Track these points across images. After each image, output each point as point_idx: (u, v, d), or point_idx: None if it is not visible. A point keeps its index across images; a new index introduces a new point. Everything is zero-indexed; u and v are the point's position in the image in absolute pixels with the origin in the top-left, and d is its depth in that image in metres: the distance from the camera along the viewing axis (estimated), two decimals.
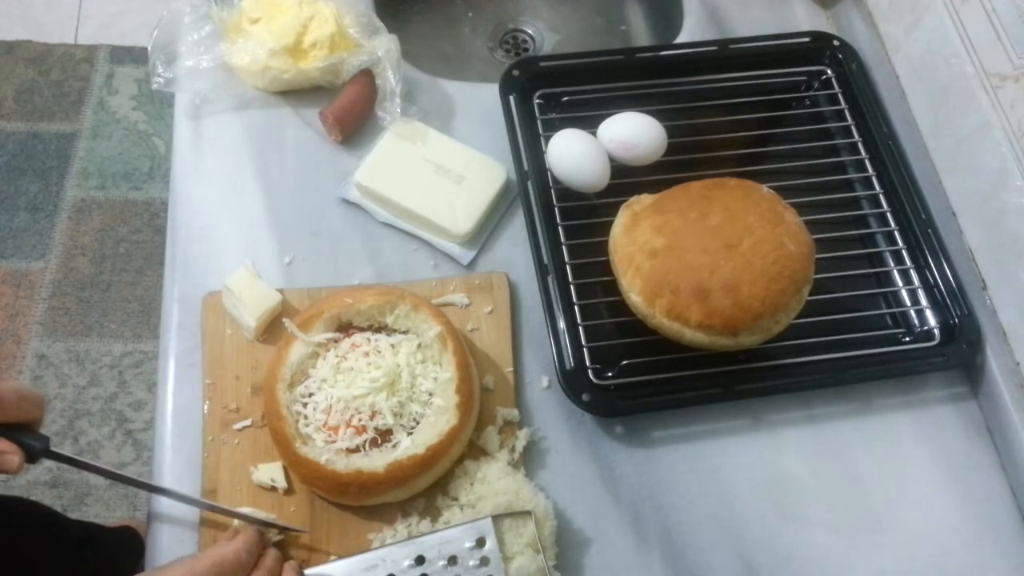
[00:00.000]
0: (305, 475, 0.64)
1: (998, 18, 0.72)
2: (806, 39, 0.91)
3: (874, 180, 0.84)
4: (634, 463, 0.71)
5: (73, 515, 1.24)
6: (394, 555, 0.61)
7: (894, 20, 0.88)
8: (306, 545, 0.65)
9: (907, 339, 0.77)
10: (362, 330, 0.69)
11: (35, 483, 1.49)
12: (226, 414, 0.70)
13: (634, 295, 0.71)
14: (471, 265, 0.78)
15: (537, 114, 0.84)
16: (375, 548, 0.63)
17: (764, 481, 0.71)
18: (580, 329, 0.73)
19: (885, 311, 0.79)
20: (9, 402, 0.58)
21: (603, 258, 0.75)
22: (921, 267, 0.79)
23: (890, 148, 0.84)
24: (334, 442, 0.64)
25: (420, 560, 0.61)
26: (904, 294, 0.79)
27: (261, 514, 0.65)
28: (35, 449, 0.60)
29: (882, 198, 0.83)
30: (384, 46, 0.82)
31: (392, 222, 0.80)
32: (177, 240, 0.78)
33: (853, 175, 0.85)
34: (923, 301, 0.78)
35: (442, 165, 0.80)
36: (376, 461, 0.63)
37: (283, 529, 0.65)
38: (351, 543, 0.65)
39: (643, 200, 0.75)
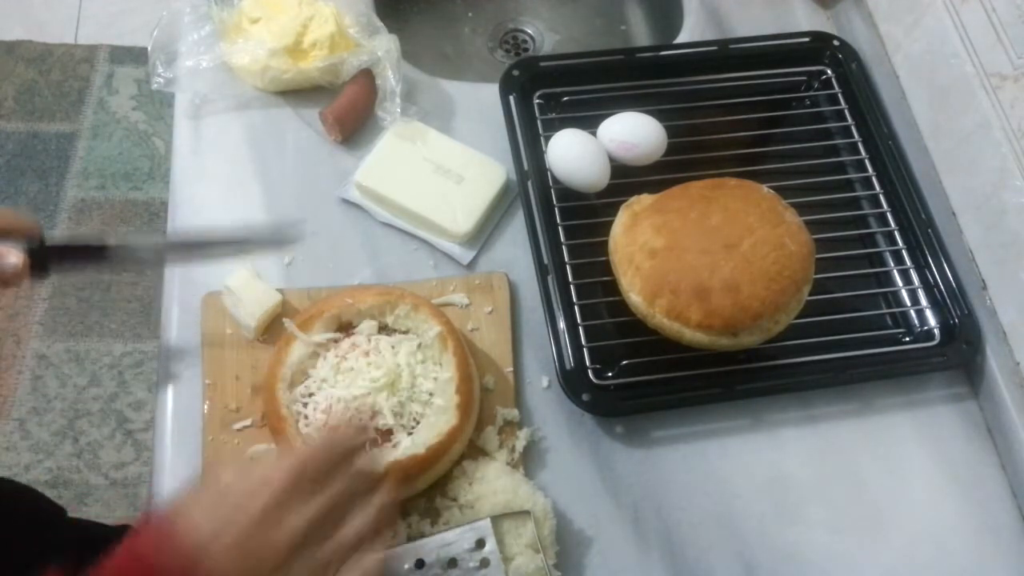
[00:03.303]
0: None
1: (998, 18, 0.72)
2: (806, 39, 0.91)
3: (874, 180, 0.84)
4: (634, 463, 0.71)
5: (73, 515, 1.24)
6: (393, 559, 0.61)
7: (894, 20, 0.88)
8: None
9: (907, 339, 0.77)
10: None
11: (35, 483, 1.49)
12: (226, 414, 0.69)
13: (634, 295, 0.71)
14: (471, 265, 0.78)
15: (537, 114, 0.84)
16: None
17: (764, 481, 0.71)
18: (580, 329, 0.73)
19: (885, 311, 0.79)
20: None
21: (603, 258, 0.75)
22: (921, 267, 0.79)
23: (890, 148, 0.84)
24: None
25: (420, 564, 0.61)
26: (904, 294, 0.79)
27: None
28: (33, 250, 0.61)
29: (882, 198, 0.83)
30: (384, 46, 0.82)
31: (392, 222, 0.80)
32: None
33: (853, 175, 0.85)
34: (923, 301, 0.78)
35: (442, 165, 0.80)
36: (377, 461, 0.63)
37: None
38: None
39: (643, 200, 0.75)
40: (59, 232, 1.75)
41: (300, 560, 0.50)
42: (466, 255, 0.78)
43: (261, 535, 0.48)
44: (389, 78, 0.82)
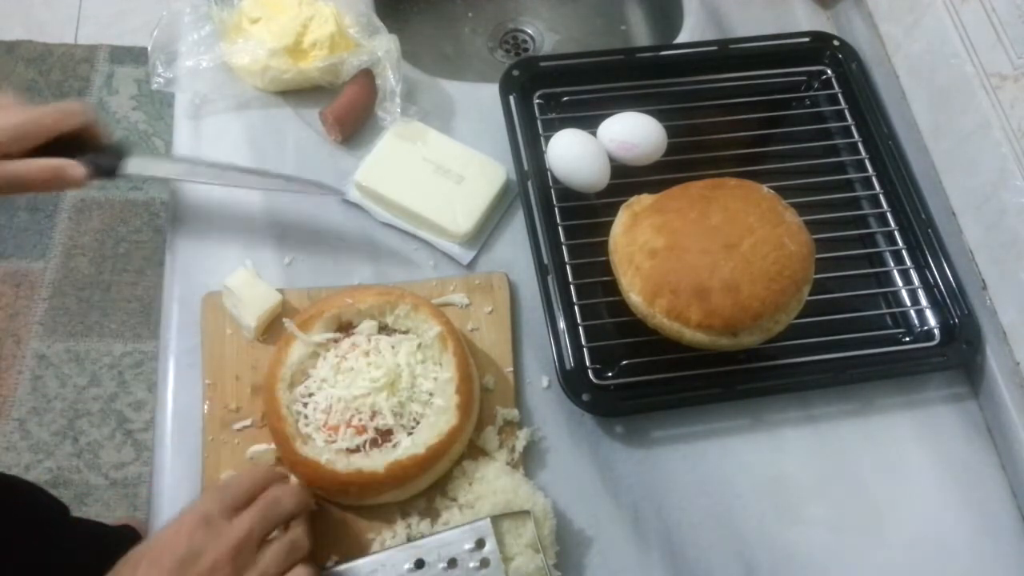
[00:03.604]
0: (305, 475, 0.64)
1: (998, 18, 0.72)
2: (806, 39, 0.91)
3: (874, 180, 0.84)
4: (634, 463, 0.71)
5: (73, 515, 1.24)
6: (393, 559, 0.61)
7: (894, 20, 0.88)
8: None
9: (907, 339, 0.77)
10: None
11: (35, 483, 1.49)
12: (226, 414, 0.69)
13: (634, 295, 0.71)
14: (471, 265, 0.78)
15: (537, 114, 0.84)
16: (374, 552, 0.63)
17: (764, 481, 0.71)
18: (580, 329, 0.73)
19: (885, 311, 0.79)
20: (47, 121, 0.66)
21: (603, 258, 0.75)
22: (921, 267, 0.79)
23: (890, 148, 0.84)
24: (334, 442, 0.64)
25: (420, 564, 0.61)
26: (904, 294, 0.79)
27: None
28: (101, 165, 0.69)
29: (882, 198, 0.83)
30: (384, 46, 0.82)
31: (392, 222, 0.80)
32: (177, 240, 0.78)
33: (853, 175, 0.85)
34: (923, 301, 0.78)
35: (442, 165, 0.80)
36: (376, 461, 0.63)
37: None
38: (351, 544, 0.65)
39: (643, 200, 0.75)
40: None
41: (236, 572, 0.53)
42: (466, 255, 0.78)
43: None
44: (389, 78, 0.82)
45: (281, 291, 0.73)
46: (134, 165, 0.71)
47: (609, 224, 0.75)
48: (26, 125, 0.66)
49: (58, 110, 0.68)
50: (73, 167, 0.68)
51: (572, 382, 0.70)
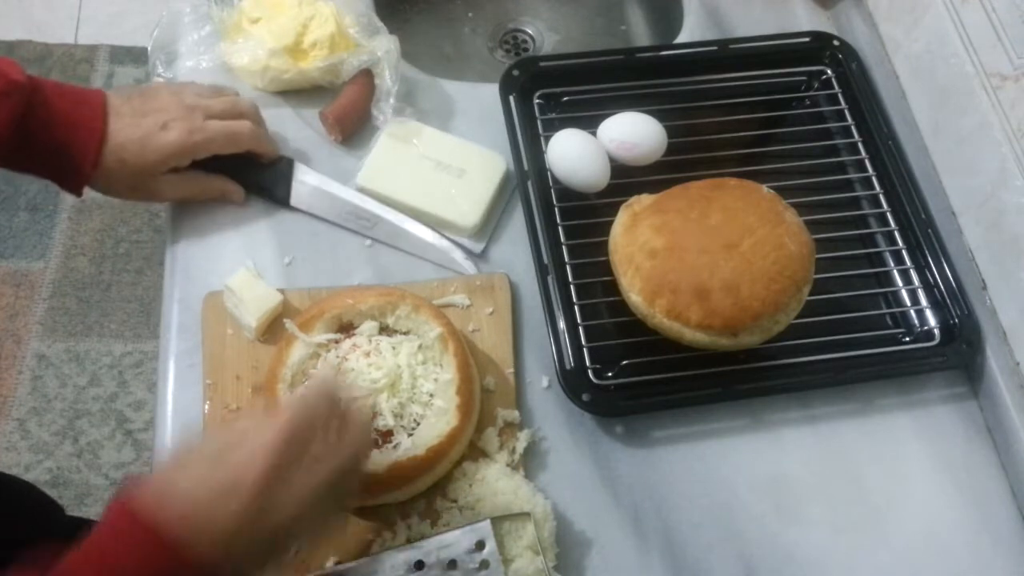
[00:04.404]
0: None
1: (998, 18, 0.72)
2: (806, 39, 0.91)
3: (874, 180, 0.84)
4: (634, 463, 0.71)
5: (73, 515, 1.24)
6: (393, 560, 0.61)
7: (894, 20, 0.88)
8: (305, 546, 0.65)
9: (907, 339, 0.77)
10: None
11: (35, 483, 1.49)
12: (226, 414, 0.69)
13: (634, 295, 0.71)
14: (483, 254, 0.79)
15: (537, 114, 0.84)
16: (374, 553, 0.63)
17: (764, 481, 0.71)
18: (580, 329, 0.73)
19: (885, 311, 0.79)
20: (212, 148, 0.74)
21: (603, 258, 0.75)
22: (921, 267, 0.79)
23: (890, 148, 0.84)
24: None
25: (420, 565, 0.61)
26: (904, 294, 0.79)
27: None
28: (273, 194, 0.79)
29: (882, 198, 0.83)
30: (384, 46, 0.82)
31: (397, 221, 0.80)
32: (177, 240, 0.78)
33: (853, 175, 0.85)
34: (923, 301, 0.78)
35: (442, 161, 0.81)
36: (376, 462, 0.63)
37: None
38: (351, 544, 0.65)
39: (643, 200, 0.75)
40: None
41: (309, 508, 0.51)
42: (477, 246, 0.79)
43: (253, 516, 0.49)
44: (386, 78, 0.82)
45: (282, 291, 0.73)
46: (299, 200, 0.79)
47: (609, 224, 0.75)
48: (194, 148, 0.73)
49: (227, 135, 0.75)
50: (236, 193, 0.78)
51: (572, 382, 0.70)
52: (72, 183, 0.71)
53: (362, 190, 0.80)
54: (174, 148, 0.72)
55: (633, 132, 0.80)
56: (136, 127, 0.70)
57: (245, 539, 0.49)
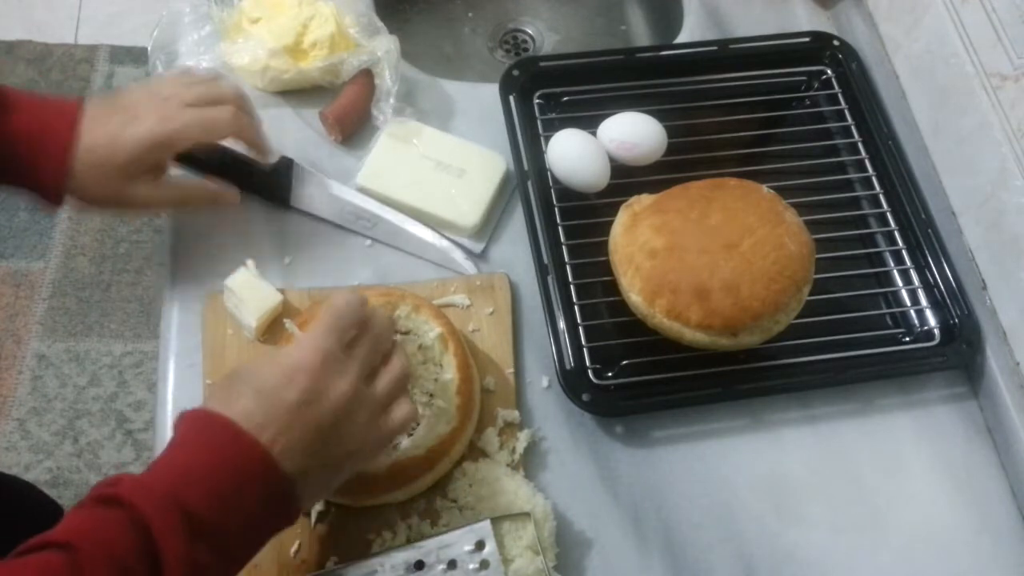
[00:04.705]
0: None
1: (998, 18, 0.72)
2: (806, 39, 0.91)
3: (874, 180, 0.84)
4: (634, 463, 0.71)
5: None
6: (393, 560, 0.61)
7: (894, 20, 0.88)
8: (305, 546, 0.65)
9: (907, 339, 0.77)
10: None
11: (35, 483, 1.49)
12: None
13: (634, 295, 0.71)
14: (483, 254, 0.79)
15: (537, 114, 0.84)
16: (374, 553, 0.63)
17: (764, 481, 0.71)
18: (580, 329, 0.73)
19: (885, 311, 0.79)
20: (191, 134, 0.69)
21: (603, 258, 0.75)
22: (921, 267, 0.79)
23: (890, 148, 0.84)
24: None
25: (419, 565, 0.60)
26: (904, 294, 0.79)
27: None
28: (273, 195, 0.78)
29: (882, 198, 0.83)
30: (384, 46, 0.82)
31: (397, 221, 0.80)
32: (177, 240, 0.78)
33: (853, 175, 0.85)
34: (923, 301, 0.78)
35: (442, 161, 0.81)
36: (377, 462, 0.63)
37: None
38: (350, 544, 0.65)
39: (643, 200, 0.75)
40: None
41: (359, 408, 0.54)
42: (477, 245, 0.79)
43: (304, 418, 0.51)
44: (386, 78, 0.82)
45: (281, 291, 0.73)
46: (299, 199, 0.78)
47: (609, 224, 0.75)
48: (166, 139, 0.67)
49: (204, 122, 0.69)
50: (229, 196, 0.75)
51: (572, 382, 0.70)
52: (47, 193, 0.66)
53: (362, 190, 0.80)
54: (143, 141, 0.65)
55: (633, 132, 0.80)
56: (105, 125, 0.65)
57: (313, 428, 0.52)
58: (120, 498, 0.47)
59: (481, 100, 0.86)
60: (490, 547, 0.61)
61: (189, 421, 0.52)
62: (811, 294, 0.72)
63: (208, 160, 0.75)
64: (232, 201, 0.75)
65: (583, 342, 0.72)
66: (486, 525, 0.62)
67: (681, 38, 0.95)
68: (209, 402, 0.52)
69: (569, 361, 0.71)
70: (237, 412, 0.50)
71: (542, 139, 0.82)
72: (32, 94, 0.67)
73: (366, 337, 0.57)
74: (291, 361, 0.53)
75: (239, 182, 0.78)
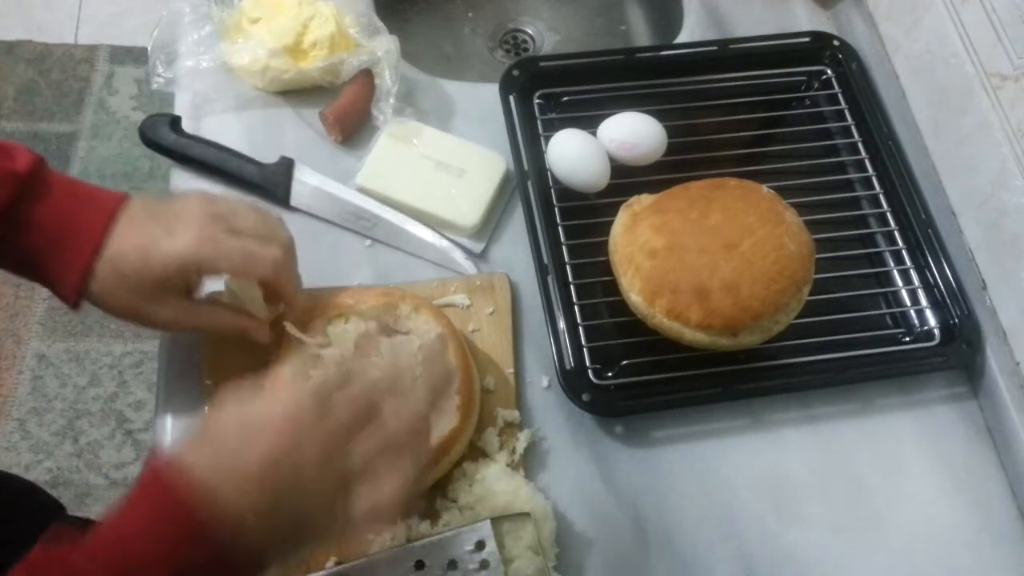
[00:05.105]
0: None
1: (998, 18, 0.72)
2: (806, 39, 0.91)
3: (874, 180, 0.84)
4: (634, 463, 0.71)
5: (73, 515, 1.24)
6: (393, 560, 0.61)
7: (894, 20, 0.88)
8: None
9: (907, 339, 0.77)
10: None
11: (35, 483, 1.49)
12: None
13: (634, 295, 0.71)
14: (483, 254, 0.79)
15: (537, 114, 0.84)
16: (374, 554, 0.63)
17: (764, 481, 0.71)
18: (580, 329, 0.73)
19: (885, 311, 0.79)
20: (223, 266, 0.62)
21: (603, 258, 0.75)
22: (921, 267, 0.79)
23: (890, 148, 0.84)
24: None
25: (419, 565, 0.60)
26: (904, 294, 0.79)
27: None
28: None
29: (882, 198, 0.83)
30: (384, 46, 0.82)
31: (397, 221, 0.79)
32: None
33: (853, 175, 0.85)
34: (923, 301, 0.78)
35: (442, 161, 0.81)
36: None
37: None
38: (350, 544, 0.65)
39: (643, 200, 0.75)
40: None
41: (324, 477, 0.48)
42: (477, 246, 0.79)
43: (262, 484, 0.46)
44: (386, 78, 0.82)
45: None
46: (299, 200, 0.78)
47: (609, 224, 0.75)
48: (200, 261, 0.60)
49: (245, 256, 0.61)
50: (260, 331, 0.67)
51: (572, 382, 0.70)
52: (66, 292, 0.61)
53: (362, 190, 0.80)
54: (177, 259, 0.58)
55: (633, 132, 0.80)
56: (141, 233, 0.59)
57: (270, 493, 0.46)
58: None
59: (481, 100, 0.86)
60: (490, 547, 0.61)
61: (145, 482, 0.47)
62: (811, 294, 0.72)
63: (207, 159, 0.75)
64: (263, 339, 0.67)
65: (583, 342, 0.72)
66: (486, 525, 0.62)
67: (681, 38, 0.95)
68: (178, 453, 0.47)
69: (569, 361, 0.71)
70: (193, 475, 0.46)
71: (542, 139, 0.82)
72: (75, 182, 0.61)
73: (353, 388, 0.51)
74: (258, 416, 0.48)
75: (239, 181, 0.78)
